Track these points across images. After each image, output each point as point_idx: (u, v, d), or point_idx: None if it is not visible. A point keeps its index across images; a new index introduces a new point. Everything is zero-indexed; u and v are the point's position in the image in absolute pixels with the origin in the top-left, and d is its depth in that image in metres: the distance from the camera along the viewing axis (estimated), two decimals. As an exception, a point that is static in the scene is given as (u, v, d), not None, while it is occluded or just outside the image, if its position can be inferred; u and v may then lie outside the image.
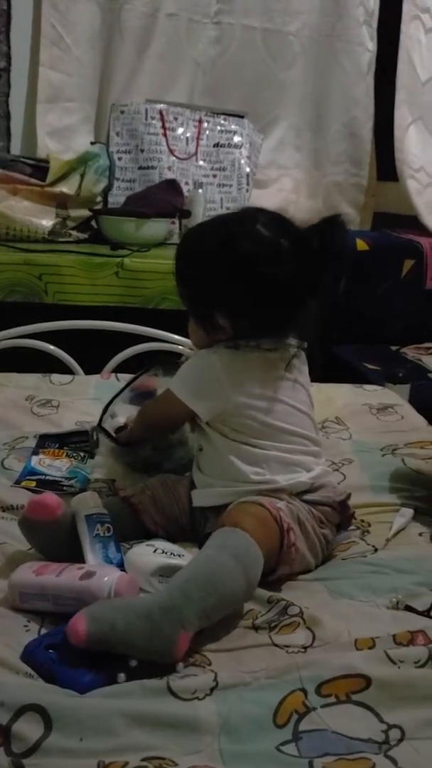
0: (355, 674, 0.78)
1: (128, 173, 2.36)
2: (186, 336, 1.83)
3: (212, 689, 0.78)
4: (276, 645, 0.86)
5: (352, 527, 1.13)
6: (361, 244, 2.30)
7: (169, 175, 2.34)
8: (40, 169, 2.16)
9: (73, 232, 2.18)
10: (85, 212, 2.20)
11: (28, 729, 0.71)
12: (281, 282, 1.02)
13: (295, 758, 0.71)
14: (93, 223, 2.23)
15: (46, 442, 1.37)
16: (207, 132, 2.45)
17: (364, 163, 2.66)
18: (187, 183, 2.38)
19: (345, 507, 1.10)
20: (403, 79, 2.42)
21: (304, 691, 0.77)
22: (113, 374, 1.79)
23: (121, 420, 1.32)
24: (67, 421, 1.51)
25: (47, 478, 1.25)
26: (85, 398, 1.64)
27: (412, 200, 2.43)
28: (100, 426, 1.29)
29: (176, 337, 1.85)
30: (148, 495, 1.11)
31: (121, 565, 0.98)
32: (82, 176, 2.18)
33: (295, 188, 2.65)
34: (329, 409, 1.55)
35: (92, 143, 2.31)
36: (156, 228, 2.21)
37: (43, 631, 0.89)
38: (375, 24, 2.56)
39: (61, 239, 2.15)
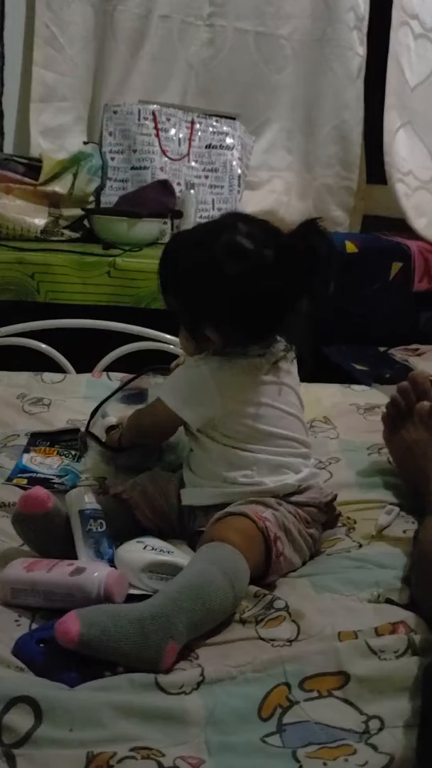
0: (336, 672, 0.81)
1: (120, 173, 2.38)
2: (177, 335, 1.86)
3: (199, 684, 0.80)
4: (262, 638, 0.88)
5: (338, 524, 1.15)
6: (350, 246, 2.32)
7: (162, 176, 2.36)
8: (32, 168, 2.17)
9: (66, 232, 2.19)
10: (77, 212, 2.21)
11: (19, 720, 0.73)
12: (268, 293, 1.02)
13: (279, 749, 0.73)
14: (85, 222, 2.24)
15: (37, 440, 1.39)
16: (199, 133, 2.46)
17: (354, 166, 2.69)
18: (179, 183, 2.40)
19: (331, 508, 1.12)
20: (392, 83, 2.44)
21: (287, 685, 0.80)
22: (104, 373, 1.80)
23: (112, 420, 1.34)
24: (58, 419, 1.52)
25: (38, 475, 1.26)
26: (77, 397, 1.66)
27: (400, 203, 2.45)
28: (88, 431, 1.29)
29: (167, 336, 1.86)
30: (138, 491, 1.12)
31: (112, 561, 1.00)
32: (75, 176, 2.19)
33: (285, 190, 2.67)
34: (317, 408, 1.57)
35: (85, 143, 2.32)
36: (148, 228, 2.23)
37: (34, 626, 0.90)
38: (365, 29, 2.59)
39: (54, 238, 2.16)
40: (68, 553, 1.00)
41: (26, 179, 2.14)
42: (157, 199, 2.28)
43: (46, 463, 1.30)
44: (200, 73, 2.51)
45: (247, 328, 1.06)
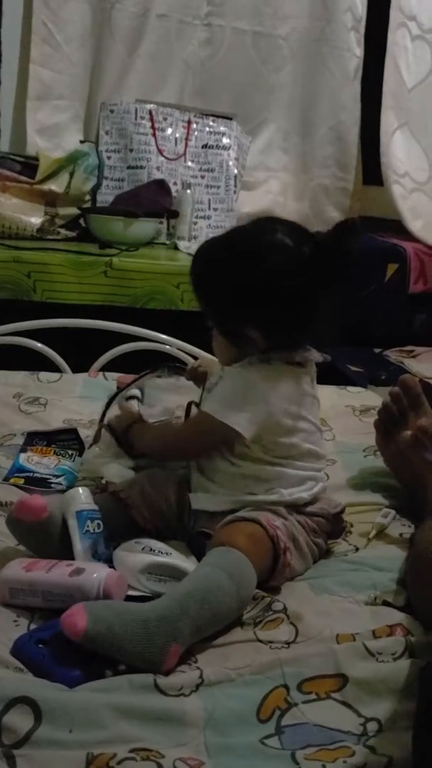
0: (334, 674, 0.81)
1: (117, 172, 2.37)
2: (173, 336, 1.87)
3: (198, 686, 0.80)
4: (260, 641, 0.88)
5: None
6: (346, 248, 2.32)
7: (158, 175, 2.36)
8: (29, 166, 2.16)
9: (62, 230, 2.19)
10: (73, 210, 2.21)
11: (19, 721, 0.73)
12: (308, 289, 1.02)
13: (277, 750, 0.74)
14: (81, 221, 2.24)
15: (34, 439, 1.39)
16: (196, 133, 2.46)
17: (351, 167, 2.69)
18: (175, 183, 2.40)
19: (338, 519, 1.12)
20: (389, 84, 2.45)
21: (286, 687, 0.80)
22: (101, 373, 1.80)
23: (136, 392, 1.33)
24: (54, 419, 1.53)
25: (35, 475, 1.27)
26: (73, 396, 1.66)
27: (396, 205, 2.46)
28: (108, 425, 1.27)
29: (163, 336, 1.87)
30: (136, 490, 1.11)
31: (109, 562, 1.00)
32: (71, 174, 2.19)
33: (282, 191, 2.67)
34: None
35: (82, 142, 2.32)
36: (144, 228, 2.23)
37: (33, 626, 0.90)
38: (362, 30, 2.59)
39: (50, 237, 2.16)
40: (65, 554, 1.00)
41: (22, 177, 2.14)
42: (154, 199, 2.28)
43: (43, 463, 1.30)
44: (197, 73, 2.51)
45: (289, 327, 1.05)
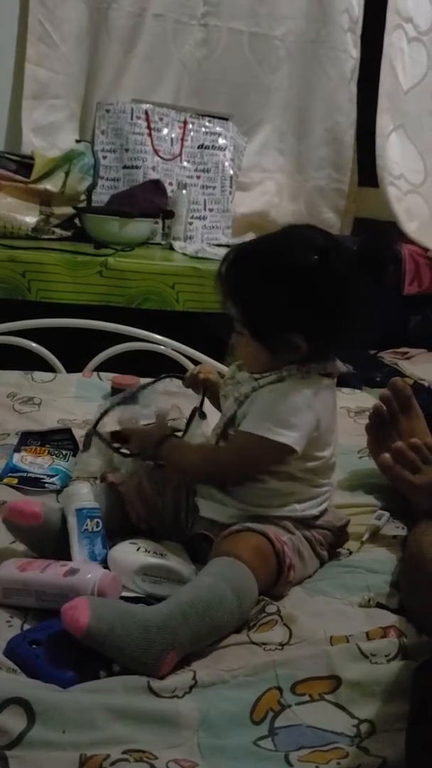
0: (327, 676, 0.82)
1: (112, 172, 2.37)
2: (168, 336, 1.87)
3: (191, 687, 0.80)
4: (254, 643, 0.88)
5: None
6: (341, 249, 2.33)
7: (154, 175, 2.36)
8: (24, 165, 2.15)
9: (57, 230, 2.18)
10: (69, 210, 2.21)
11: (12, 722, 0.73)
12: (355, 300, 1.01)
13: (271, 752, 0.74)
14: (77, 221, 2.24)
15: (28, 439, 1.38)
16: (192, 133, 2.46)
17: (346, 169, 2.69)
18: (171, 183, 2.40)
19: (343, 532, 1.12)
20: (385, 86, 2.46)
21: (279, 689, 0.81)
22: (95, 373, 1.80)
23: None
24: (49, 418, 1.53)
25: (29, 475, 1.27)
26: (67, 396, 1.66)
27: (392, 207, 2.46)
28: (96, 431, 1.26)
29: (158, 337, 1.87)
30: (134, 483, 1.10)
31: (105, 562, 1.00)
32: (67, 174, 2.19)
33: (277, 192, 2.67)
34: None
35: (77, 141, 2.32)
36: (140, 228, 2.22)
37: (27, 626, 0.90)
38: (359, 31, 2.59)
39: (45, 236, 2.15)
40: (63, 551, 1.00)
41: (17, 176, 2.13)
42: (149, 199, 2.28)
43: (37, 463, 1.30)
44: (193, 73, 2.51)
45: (332, 334, 1.02)
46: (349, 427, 1.54)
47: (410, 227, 2.48)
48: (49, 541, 1.02)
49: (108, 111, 2.38)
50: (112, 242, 2.12)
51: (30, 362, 1.79)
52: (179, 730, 0.75)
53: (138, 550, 1.01)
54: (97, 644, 0.81)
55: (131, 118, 2.36)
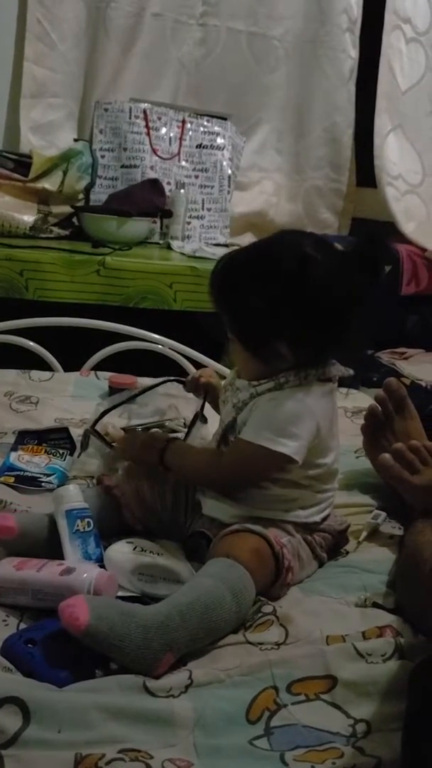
0: (323, 675, 0.81)
1: (111, 171, 2.37)
2: (165, 335, 1.87)
3: (187, 687, 0.80)
4: (250, 642, 0.88)
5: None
6: (339, 249, 2.33)
7: (152, 175, 2.35)
8: (22, 164, 2.15)
9: (55, 229, 2.18)
10: (66, 209, 2.20)
11: (7, 721, 0.73)
12: (344, 306, 0.99)
13: (267, 752, 0.74)
14: (75, 220, 2.24)
15: (25, 438, 1.39)
16: (190, 133, 2.46)
17: (344, 169, 2.69)
18: (169, 183, 2.40)
19: (343, 536, 1.12)
20: (383, 87, 2.45)
21: (275, 688, 0.81)
22: (92, 372, 1.80)
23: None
24: (46, 417, 1.53)
25: (26, 474, 1.26)
26: (65, 395, 1.66)
27: (389, 207, 2.46)
28: (95, 430, 1.26)
29: (156, 336, 1.87)
30: (131, 488, 1.10)
31: (99, 561, 1.00)
32: (65, 173, 2.18)
33: (275, 191, 2.67)
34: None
35: (75, 140, 2.31)
36: (138, 227, 2.22)
37: (23, 625, 0.90)
38: (357, 32, 2.59)
39: (43, 235, 2.15)
40: (55, 554, 1.00)
41: (15, 175, 2.13)
42: (147, 198, 2.28)
43: (34, 462, 1.30)
44: (192, 73, 2.50)
45: (319, 342, 1.00)
46: (346, 427, 1.54)
47: (408, 227, 2.49)
48: (36, 547, 1.01)
49: (106, 110, 2.37)
50: (110, 241, 2.12)
51: (27, 361, 1.79)
52: (175, 730, 0.75)
53: (134, 549, 1.01)
54: (96, 643, 0.81)
55: (129, 118, 2.36)
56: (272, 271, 0.98)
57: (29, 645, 0.84)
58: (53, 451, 1.34)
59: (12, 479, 1.25)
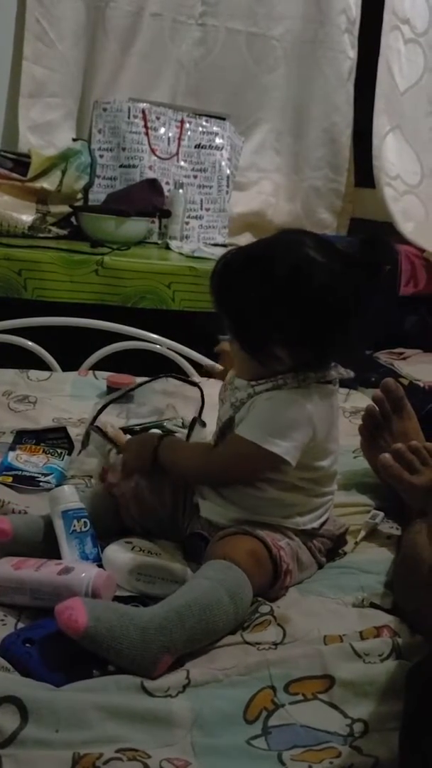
0: (321, 675, 0.82)
1: (109, 171, 2.37)
2: (164, 335, 1.87)
3: (185, 687, 0.80)
4: (248, 642, 0.88)
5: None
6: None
7: (150, 175, 2.36)
8: (21, 163, 2.15)
9: (53, 228, 2.18)
10: (65, 208, 2.20)
11: (5, 720, 0.73)
12: (342, 309, 0.97)
13: (264, 751, 0.74)
14: (73, 219, 2.24)
15: (23, 438, 1.39)
16: (189, 133, 2.46)
17: (343, 169, 2.70)
18: (167, 183, 2.40)
19: (341, 540, 1.12)
20: (382, 87, 2.46)
21: (273, 688, 0.80)
22: (91, 371, 1.80)
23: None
24: (44, 417, 1.52)
25: (24, 473, 1.26)
26: (63, 395, 1.66)
27: (388, 207, 2.46)
28: (96, 426, 1.25)
29: (154, 336, 1.87)
30: (131, 486, 1.09)
31: (97, 561, 1.00)
32: (63, 172, 2.18)
33: (274, 191, 2.67)
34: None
35: (74, 140, 2.31)
36: (136, 227, 2.23)
37: (20, 625, 0.90)
38: (356, 32, 2.60)
39: (41, 235, 2.15)
40: (52, 554, 1.00)
41: (14, 175, 2.13)
42: (146, 198, 2.28)
43: (32, 461, 1.30)
44: (191, 73, 2.51)
45: (318, 344, 0.99)
46: (344, 427, 1.53)
47: (406, 228, 2.49)
48: (32, 549, 1.01)
49: (105, 110, 2.38)
50: (108, 241, 2.12)
51: (26, 361, 1.79)
52: (172, 729, 0.75)
53: (132, 549, 1.01)
54: (95, 645, 0.81)
55: (128, 117, 2.36)
56: (269, 272, 0.97)
57: (27, 644, 0.84)
58: (51, 450, 1.34)
59: (10, 479, 1.25)
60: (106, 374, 1.73)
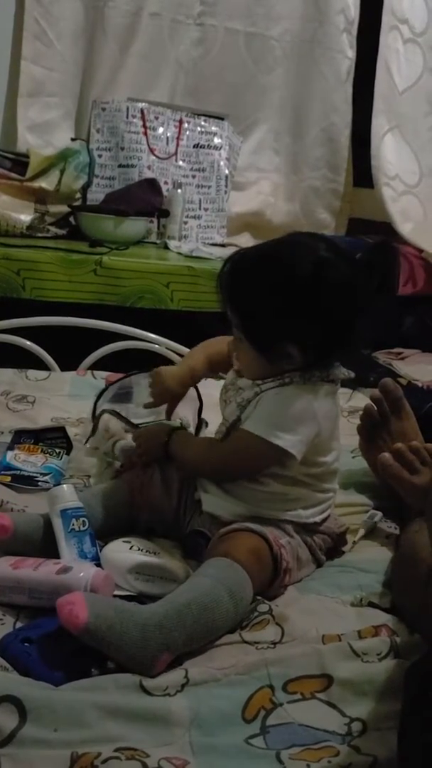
0: (319, 674, 0.82)
1: (108, 171, 2.37)
2: (162, 335, 1.87)
3: (183, 685, 0.80)
4: (246, 641, 0.89)
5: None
6: (336, 249, 2.33)
7: (149, 174, 2.35)
8: (19, 163, 2.15)
9: (52, 228, 2.18)
10: (64, 208, 2.20)
11: (3, 719, 0.73)
12: (353, 309, 1.00)
13: (262, 750, 0.74)
14: (72, 219, 2.23)
15: (21, 437, 1.38)
16: (187, 132, 2.46)
17: (341, 169, 2.70)
18: (166, 182, 2.40)
19: (341, 539, 1.12)
20: (380, 87, 2.45)
21: (271, 687, 0.81)
22: (89, 371, 1.80)
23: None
24: (42, 416, 1.52)
25: (22, 473, 1.26)
26: (61, 395, 1.66)
27: (386, 207, 2.46)
28: (113, 410, 1.24)
29: (152, 335, 1.87)
30: (148, 475, 1.11)
31: (95, 560, 1.00)
32: (62, 172, 2.18)
33: (272, 191, 2.67)
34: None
35: (73, 139, 2.31)
36: (135, 226, 2.23)
37: (19, 624, 0.90)
38: (355, 32, 2.60)
39: (40, 235, 2.15)
40: (51, 553, 1.00)
41: (12, 174, 2.13)
42: (144, 198, 2.28)
43: (30, 461, 1.30)
44: (189, 72, 2.51)
45: (328, 344, 1.01)
46: (343, 427, 1.52)
47: (405, 228, 2.48)
48: (31, 547, 1.01)
49: (104, 109, 2.37)
50: (107, 241, 2.12)
51: (24, 360, 1.79)
52: (171, 728, 0.75)
53: (131, 548, 1.01)
54: (95, 641, 0.81)
55: (127, 117, 2.36)
56: (288, 275, 0.99)
57: (26, 644, 0.84)
58: (49, 450, 1.34)
59: (8, 478, 1.25)
60: (105, 374, 1.73)
